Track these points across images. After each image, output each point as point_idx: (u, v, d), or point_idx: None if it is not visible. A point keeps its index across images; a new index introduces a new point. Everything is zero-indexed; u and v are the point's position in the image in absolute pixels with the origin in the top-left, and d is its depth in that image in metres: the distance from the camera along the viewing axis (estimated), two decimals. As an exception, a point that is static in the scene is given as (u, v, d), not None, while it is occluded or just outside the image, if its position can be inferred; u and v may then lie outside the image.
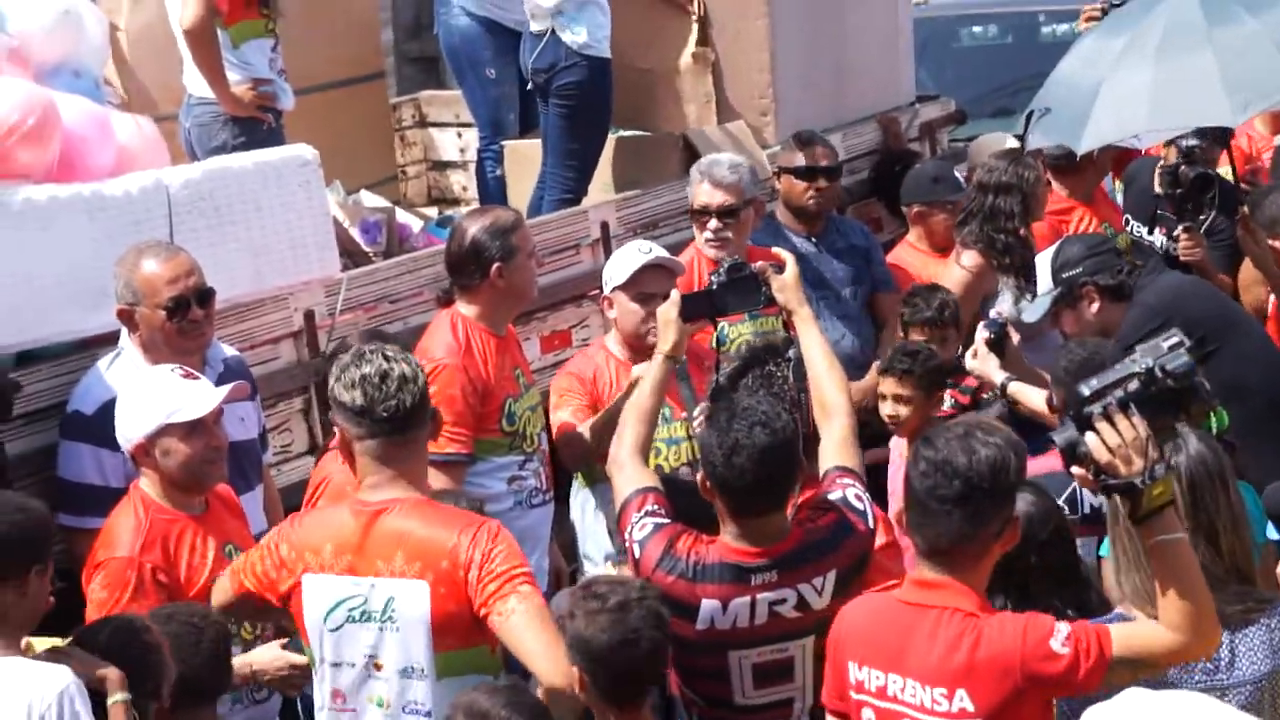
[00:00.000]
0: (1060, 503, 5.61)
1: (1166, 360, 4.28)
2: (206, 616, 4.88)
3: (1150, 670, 4.31)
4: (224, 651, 4.86)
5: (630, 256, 6.61)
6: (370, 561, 4.76)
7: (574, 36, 8.05)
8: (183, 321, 5.74)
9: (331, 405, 4.94)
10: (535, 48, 8.13)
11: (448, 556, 4.70)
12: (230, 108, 7.40)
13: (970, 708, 4.22)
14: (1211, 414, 4.77)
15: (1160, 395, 4.26)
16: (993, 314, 7.01)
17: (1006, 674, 4.21)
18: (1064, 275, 6.77)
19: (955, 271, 7.77)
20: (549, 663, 4.54)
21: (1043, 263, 6.94)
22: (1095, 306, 6.73)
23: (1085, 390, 4.27)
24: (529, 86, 8.36)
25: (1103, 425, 4.20)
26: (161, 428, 5.30)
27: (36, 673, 4.41)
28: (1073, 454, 4.25)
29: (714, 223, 7.35)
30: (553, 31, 8.07)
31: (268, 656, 5.16)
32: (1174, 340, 4.33)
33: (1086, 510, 5.65)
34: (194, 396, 5.36)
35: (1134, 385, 4.25)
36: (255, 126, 7.41)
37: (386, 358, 4.83)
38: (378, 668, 4.80)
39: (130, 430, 5.36)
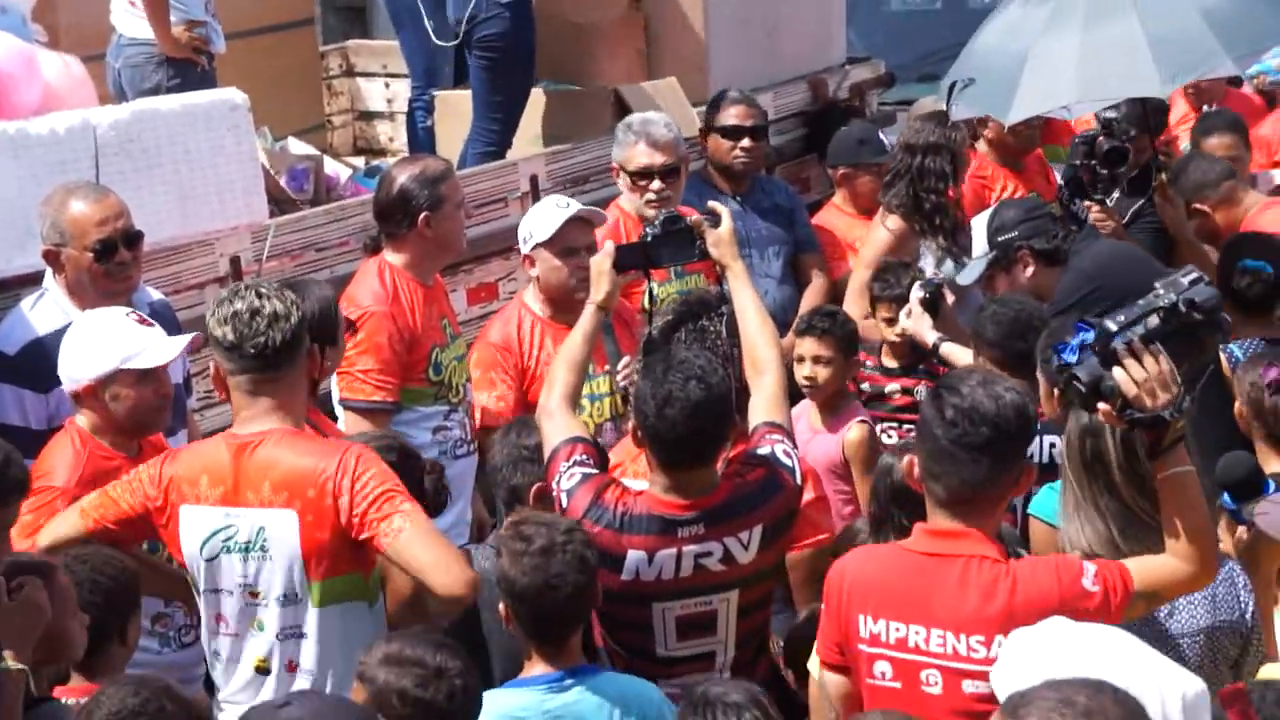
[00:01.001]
0: None
1: (1193, 294, 4.31)
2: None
3: (1159, 602, 4.38)
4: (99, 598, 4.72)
5: (550, 213, 6.55)
6: (241, 493, 4.81)
7: None
8: (110, 264, 5.68)
9: (207, 339, 4.96)
10: None
11: (314, 485, 4.75)
12: (168, 48, 7.35)
13: None
14: None
15: (1181, 330, 4.29)
16: (929, 274, 7.03)
17: (1045, 616, 4.12)
18: (999, 239, 6.80)
19: (879, 234, 7.76)
20: (446, 574, 4.61)
21: (978, 226, 6.96)
22: (1030, 270, 6.76)
23: (1111, 325, 4.30)
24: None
25: (1129, 360, 4.25)
26: (114, 372, 5.24)
27: None
28: (1097, 389, 4.28)
29: (657, 183, 7.32)
30: None
31: None
32: (1193, 275, 4.36)
33: None
34: (151, 344, 5.31)
35: (1155, 321, 4.29)
36: (189, 69, 7.37)
37: (259, 294, 4.85)
38: (253, 595, 4.85)
39: (79, 370, 5.28)
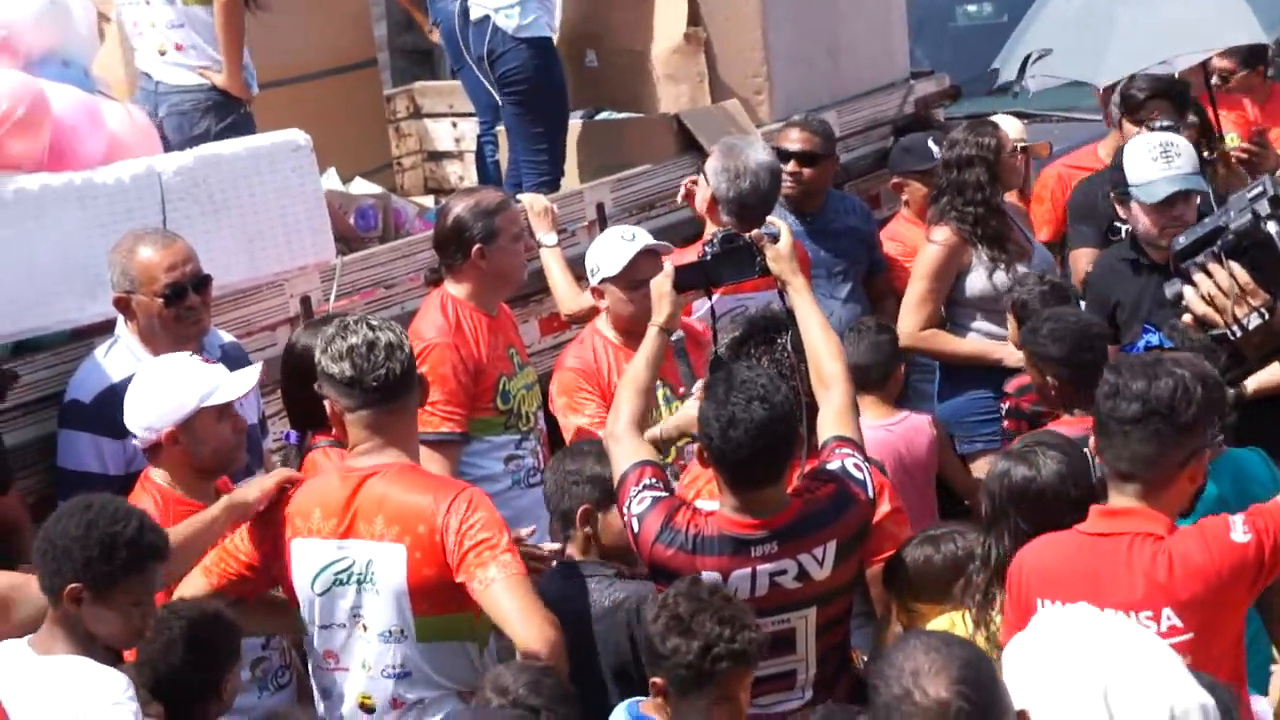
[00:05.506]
0: None
1: (1233, 219, 4.27)
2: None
3: None
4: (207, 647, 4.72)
5: (617, 247, 6.47)
6: (354, 525, 4.82)
7: (508, 21, 8.02)
8: (180, 309, 5.73)
9: (319, 378, 4.94)
10: (477, 35, 8.12)
11: (425, 521, 4.75)
12: (236, 87, 7.40)
13: (1179, 623, 4.24)
14: None
15: (1254, 247, 4.25)
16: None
17: (1205, 582, 4.24)
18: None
19: (929, 248, 7.66)
20: (527, 628, 4.59)
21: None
22: None
23: (1176, 245, 4.27)
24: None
25: (1199, 277, 4.26)
26: (195, 413, 5.25)
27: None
28: (1178, 306, 4.30)
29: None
30: (488, 17, 8.05)
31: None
32: (1256, 191, 4.31)
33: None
34: (223, 379, 5.35)
35: (1230, 237, 4.27)
36: (235, 112, 7.41)
37: (371, 327, 4.86)
38: (363, 629, 4.86)
39: (159, 418, 5.27)
